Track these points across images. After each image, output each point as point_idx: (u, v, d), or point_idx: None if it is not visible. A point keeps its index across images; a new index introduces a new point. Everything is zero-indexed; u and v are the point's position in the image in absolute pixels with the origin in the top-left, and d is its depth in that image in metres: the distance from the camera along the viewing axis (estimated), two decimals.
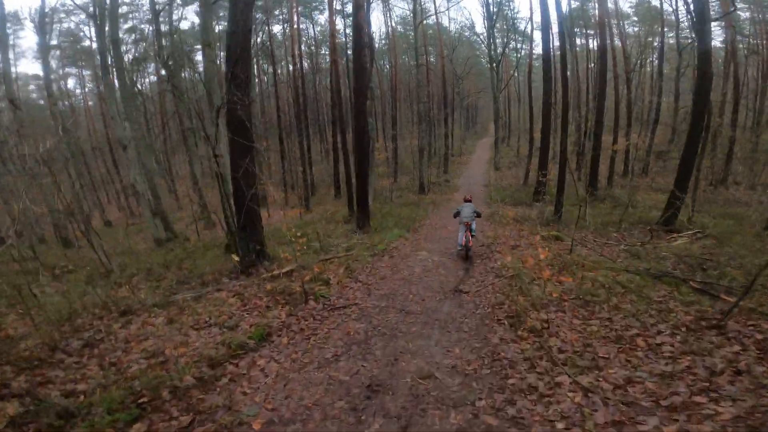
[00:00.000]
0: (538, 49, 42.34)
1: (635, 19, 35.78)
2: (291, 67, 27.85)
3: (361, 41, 13.16)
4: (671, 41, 30.43)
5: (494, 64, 28.86)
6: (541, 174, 17.86)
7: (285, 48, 33.67)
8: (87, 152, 36.12)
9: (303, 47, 37.44)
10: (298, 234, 7.78)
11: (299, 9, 28.11)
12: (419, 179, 22.29)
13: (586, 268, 7.46)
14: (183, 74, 24.73)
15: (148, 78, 40.70)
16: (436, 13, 33.98)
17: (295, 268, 7.88)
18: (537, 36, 65.57)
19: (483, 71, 48.98)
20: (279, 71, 39.15)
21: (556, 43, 23.28)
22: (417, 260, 9.69)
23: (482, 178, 27.24)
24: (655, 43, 35.61)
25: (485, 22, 29.69)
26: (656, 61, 36.72)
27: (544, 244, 10.46)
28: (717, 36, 30.00)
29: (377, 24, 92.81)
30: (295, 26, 25.87)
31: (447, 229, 13.99)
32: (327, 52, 33.42)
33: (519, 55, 41.09)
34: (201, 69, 17.62)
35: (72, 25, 32.24)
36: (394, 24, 39.95)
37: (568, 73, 17.11)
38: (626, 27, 36.09)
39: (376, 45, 41.22)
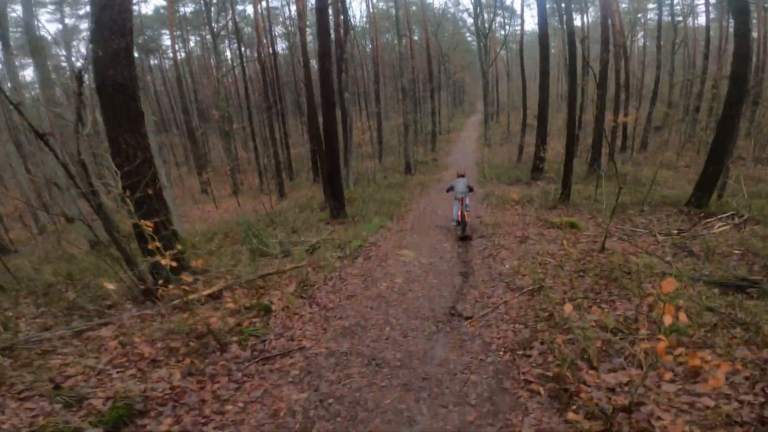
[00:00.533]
0: (527, 26, 39.62)
1: None
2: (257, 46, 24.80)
3: None
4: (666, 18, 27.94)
5: (482, 37, 26.04)
6: (541, 149, 15.44)
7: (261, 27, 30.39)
8: None
9: (279, 28, 34.24)
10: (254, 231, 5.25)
11: None
12: (405, 158, 19.72)
13: (640, 276, 5.08)
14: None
15: None
16: None
17: (224, 287, 5.40)
18: (526, 12, 62.24)
19: (469, 48, 46.02)
20: (261, 52, 35.88)
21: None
22: (399, 264, 7.26)
23: (473, 155, 24.74)
24: (649, 17, 33.25)
25: None
26: (643, 39, 34.44)
27: (559, 235, 8.11)
28: None
29: (357, 1, 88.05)
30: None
31: (437, 214, 11.58)
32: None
33: (506, 32, 38.19)
34: None
35: None
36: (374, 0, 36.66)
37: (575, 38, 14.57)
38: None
39: (358, 24, 38.03)
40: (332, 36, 14.43)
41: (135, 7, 18.58)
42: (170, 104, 39.08)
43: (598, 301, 4.51)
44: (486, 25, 26.90)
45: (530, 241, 7.81)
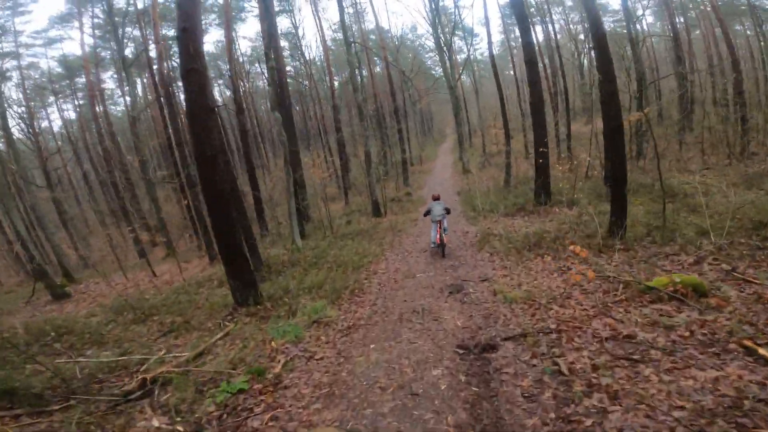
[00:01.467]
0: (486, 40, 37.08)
1: None
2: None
3: None
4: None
5: (444, 48, 22.63)
6: (538, 160, 11.25)
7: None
8: None
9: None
10: None
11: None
12: (371, 197, 15.29)
13: None
14: None
15: None
16: (375, 17, 27.88)
17: None
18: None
19: (431, 74, 43.32)
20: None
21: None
22: None
23: (451, 185, 20.60)
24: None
25: (429, 3, 23.58)
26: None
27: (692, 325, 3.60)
28: None
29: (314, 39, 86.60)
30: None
31: (416, 279, 7.09)
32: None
33: (469, 53, 35.33)
34: None
35: None
36: (328, 42, 33.57)
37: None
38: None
39: (316, 59, 34.73)
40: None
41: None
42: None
43: None
44: (448, 37, 23.51)
45: (652, 366, 3.26)
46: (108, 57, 23.91)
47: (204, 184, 6.01)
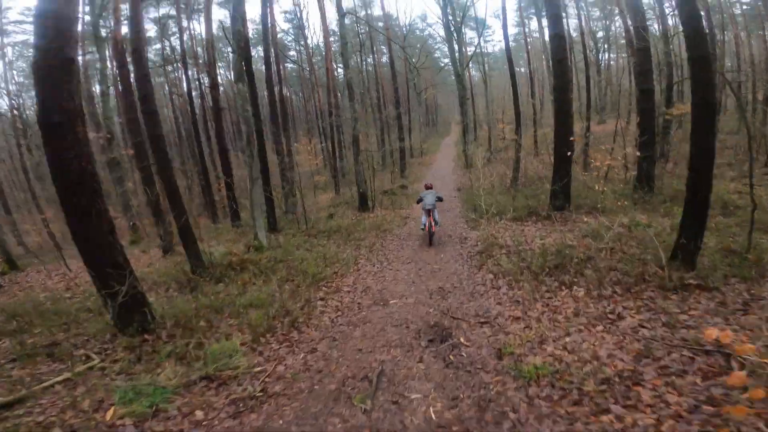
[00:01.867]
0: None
1: None
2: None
3: None
4: None
5: (453, 32, 20.22)
6: (562, 154, 9.01)
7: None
8: None
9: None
10: None
11: None
12: (358, 188, 13.06)
13: None
14: None
15: None
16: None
17: None
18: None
19: (439, 66, 40.78)
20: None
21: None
22: None
23: (451, 180, 18.34)
24: None
25: None
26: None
27: None
28: None
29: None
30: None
31: (387, 307, 4.94)
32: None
33: (480, 42, 32.69)
34: None
35: None
36: (333, 26, 31.08)
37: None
38: None
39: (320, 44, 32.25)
40: None
41: None
42: None
43: None
44: (458, 20, 21.06)
45: None
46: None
47: (51, 163, 3.81)
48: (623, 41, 32.05)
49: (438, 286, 5.57)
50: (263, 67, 23.57)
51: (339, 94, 23.09)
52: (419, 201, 8.72)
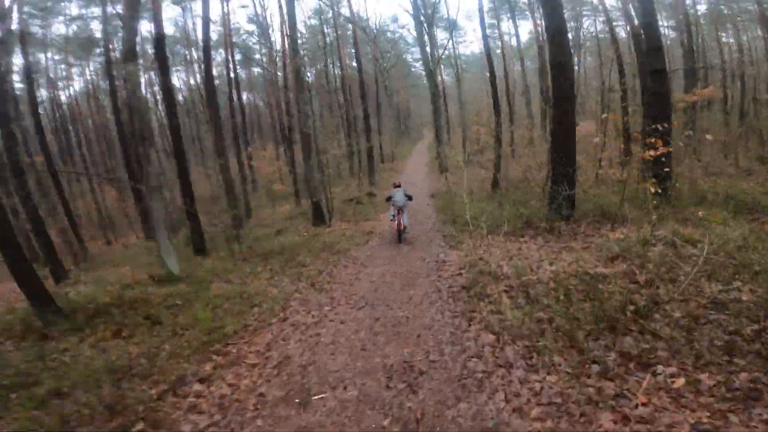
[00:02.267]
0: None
1: None
2: None
3: None
4: None
5: (424, 24, 18.25)
6: (561, 145, 6.93)
7: None
8: None
9: None
10: None
11: None
12: (311, 198, 10.66)
13: None
14: None
15: None
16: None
17: None
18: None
19: (410, 68, 39.05)
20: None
21: None
22: None
23: (425, 186, 16.17)
24: None
25: None
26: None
27: None
28: None
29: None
30: None
31: (301, 420, 2.47)
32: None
33: (451, 48, 30.84)
34: None
35: None
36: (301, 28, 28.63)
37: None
38: None
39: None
40: None
41: None
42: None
43: None
44: (429, 12, 19.13)
45: None
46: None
47: None
48: (589, 44, 31.19)
49: (403, 357, 3.26)
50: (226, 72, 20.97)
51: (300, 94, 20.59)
52: (389, 199, 8.50)
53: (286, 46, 17.52)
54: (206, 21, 10.79)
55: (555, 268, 4.73)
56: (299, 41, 17.22)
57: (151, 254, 10.48)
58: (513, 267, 4.84)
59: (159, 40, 8.38)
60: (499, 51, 28.09)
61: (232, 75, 20.46)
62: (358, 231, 9.45)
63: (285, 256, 7.64)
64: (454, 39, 29.50)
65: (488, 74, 15.20)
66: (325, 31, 26.10)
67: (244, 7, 30.17)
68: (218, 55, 29.38)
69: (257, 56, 31.64)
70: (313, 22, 33.24)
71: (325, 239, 8.83)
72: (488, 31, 36.52)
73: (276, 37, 26.65)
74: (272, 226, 13.02)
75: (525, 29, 65.01)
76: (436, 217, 9.59)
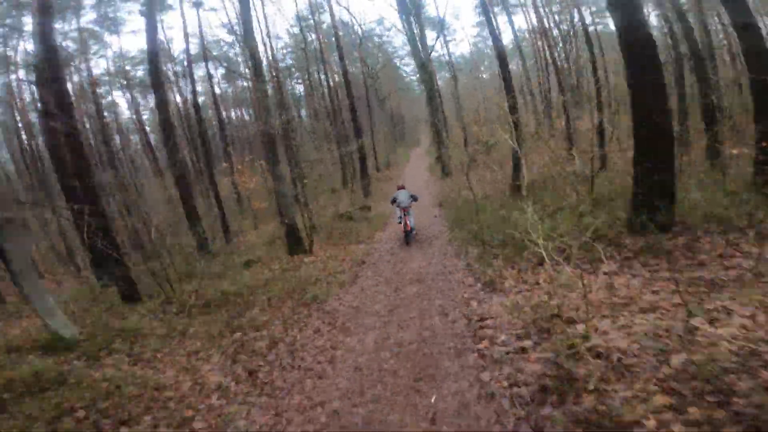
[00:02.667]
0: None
1: None
2: None
3: None
4: None
5: (412, 11, 16.00)
6: (653, 122, 4.38)
7: None
8: None
9: None
10: None
11: None
12: (282, 221, 8.21)
13: None
14: None
15: None
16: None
17: None
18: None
19: (402, 72, 36.97)
20: None
21: None
22: None
23: (428, 193, 13.68)
24: None
25: None
26: None
27: None
28: None
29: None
30: None
31: None
32: None
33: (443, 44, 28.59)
34: None
35: None
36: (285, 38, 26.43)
37: None
38: None
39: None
40: None
41: None
42: None
43: None
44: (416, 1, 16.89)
45: None
46: None
47: None
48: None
49: None
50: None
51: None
52: (393, 200, 8.26)
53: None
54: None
55: (724, 332, 2.23)
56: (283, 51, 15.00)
57: (85, 298, 7.89)
58: (632, 340, 2.31)
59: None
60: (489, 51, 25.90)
61: (197, 89, 18.13)
62: (347, 260, 6.96)
63: (235, 306, 5.12)
64: (443, 39, 27.43)
65: (492, 40, 12.83)
66: (309, 38, 24.02)
67: (213, 10, 27.75)
68: (199, 69, 27.44)
69: (244, 70, 29.60)
70: (296, 30, 31.19)
71: (301, 274, 6.32)
72: (478, 28, 34.53)
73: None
74: (245, 254, 10.52)
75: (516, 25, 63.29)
76: (450, 234, 7.10)
